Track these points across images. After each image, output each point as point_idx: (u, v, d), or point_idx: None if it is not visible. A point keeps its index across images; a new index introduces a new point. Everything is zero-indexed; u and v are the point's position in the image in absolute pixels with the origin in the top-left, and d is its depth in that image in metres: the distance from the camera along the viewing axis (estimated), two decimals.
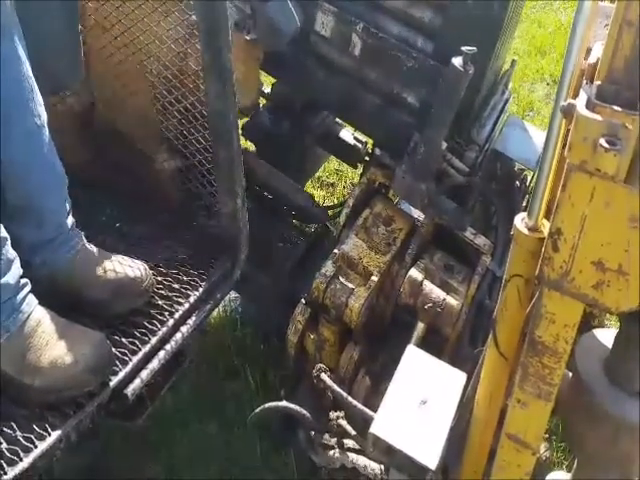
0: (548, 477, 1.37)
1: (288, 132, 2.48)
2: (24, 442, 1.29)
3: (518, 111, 3.91)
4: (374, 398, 1.84)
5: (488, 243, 1.96)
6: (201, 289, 1.68)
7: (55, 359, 1.36)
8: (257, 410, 1.84)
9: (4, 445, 1.28)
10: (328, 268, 1.94)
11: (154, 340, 1.54)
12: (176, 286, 1.68)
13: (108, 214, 1.87)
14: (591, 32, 0.99)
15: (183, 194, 1.88)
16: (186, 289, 1.67)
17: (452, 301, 1.88)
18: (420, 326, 1.89)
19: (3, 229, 1.32)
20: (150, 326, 1.56)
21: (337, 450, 1.77)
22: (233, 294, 2.56)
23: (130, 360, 1.48)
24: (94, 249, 1.60)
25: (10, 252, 1.33)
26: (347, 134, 2.53)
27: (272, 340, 2.41)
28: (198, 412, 2.29)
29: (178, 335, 1.58)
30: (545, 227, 1.04)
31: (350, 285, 1.92)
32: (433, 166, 1.87)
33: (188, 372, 2.28)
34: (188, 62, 1.68)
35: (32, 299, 1.39)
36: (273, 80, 2.46)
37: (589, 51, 1.04)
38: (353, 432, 1.75)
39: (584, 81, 0.95)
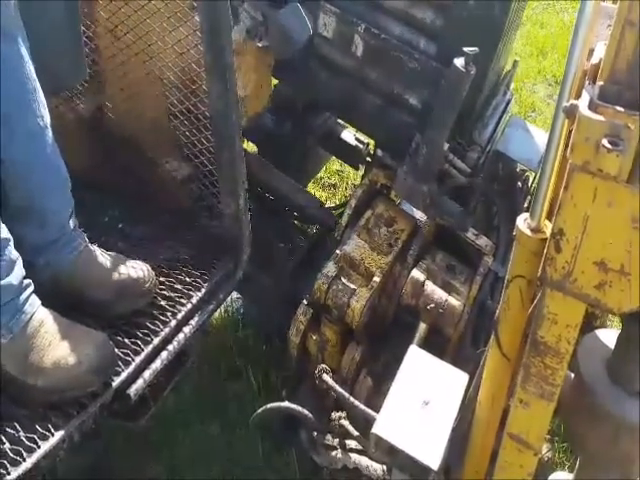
0: (550, 477, 1.37)
1: (290, 133, 2.49)
2: (27, 442, 1.29)
3: (520, 112, 3.92)
4: (376, 398, 1.85)
5: (490, 244, 1.96)
6: (203, 290, 1.69)
7: (58, 359, 1.36)
8: (259, 411, 1.84)
9: (7, 445, 1.28)
10: (330, 269, 1.95)
11: (157, 341, 1.54)
12: (178, 287, 1.68)
13: (111, 215, 1.87)
14: (593, 33, 0.99)
15: (187, 195, 1.88)
16: (188, 290, 1.67)
17: (454, 302, 1.88)
18: (422, 327, 1.89)
19: (6, 230, 1.32)
20: (152, 327, 1.56)
21: (339, 450, 1.77)
22: (235, 295, 2.57)
23: (133, 360, 1.48)
24: (97, 250, 1.60)
25: (13, 253, 1.33)
26: (349, 135, 2.53)
27: (274, 341, 2.42)
28: (200, 412, 2.29)
29: (180, 336, 1.59)
30: (547, 228, 1.04)
31: (352, 286, 1.92)
32: (435, 167, 1.87)
33: (190, 373, 2.29)
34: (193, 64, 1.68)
35: (35, 300, 1.39)
36: (275, 81, 2.46)
37: (591, 52, 1.04)
38: (355, 432, 1.75)
39: (586, 82, 0.95)
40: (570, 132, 0.87)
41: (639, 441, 1.08)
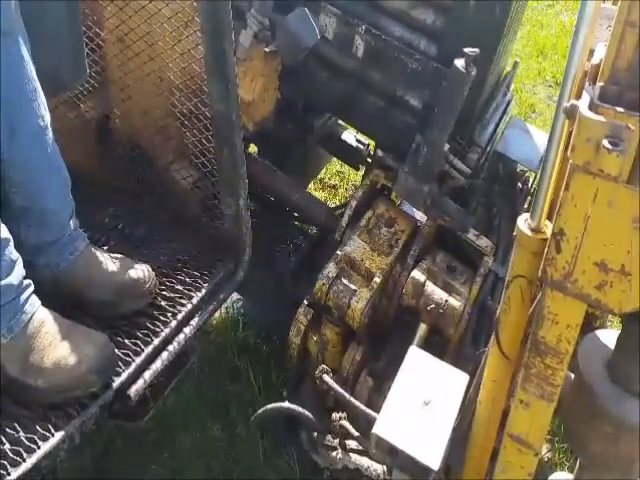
0: (550, 478, 1.37)
1: (290, 134, 2.49)
2: (27, 443, 1.29)
3: (520, 113, 3.92)
4: (376, 399, 1.85)
5: (490, 244, 1.96)
6: (204, 290, 1.69)
7: (58, 360, 1.36)
8: (259, 411, 1.84)
9: (7, 446, 1.28)
10: (331, 269, 1.95)
11: (157, 341, 1.54)
12: (179, 287, 1.68)
13: (111, 215, 1.87)
14: (593, 34, 0.99)
15: (187, 196, 1.89)
16: (189, 290, 1.68)
17: (454, 302, 1.88)
18: (422, 327, 1.89)
19: (6, 230, 1.32)
20: (153, 327, 1.57)
21: (339, 451, 1.77)
22: (236, 295, 2.57)
23: (133, 361, 1.49)
24: (97, 250, 1.60)
25: (13, 253, 1.33)
26: (349, 136, 2.53)
27: (274, 341, 2.42)
28: (200, 413, 2.29)
29: (181, 336, 1.59)
30: (548, 228, 1.04)
31: (352, 286, 1.92)
32: (435, 168, 1.87)
33: (191, 373, 2.30)
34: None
35: (35, 300, 1.39)
36: None
37: (592, 52, 1.04)
38: (355, 433, 1.75)
39: (587, 82, 0.95)
40: (570, 133, 0.87)
41: (639, 442, 1.08)
